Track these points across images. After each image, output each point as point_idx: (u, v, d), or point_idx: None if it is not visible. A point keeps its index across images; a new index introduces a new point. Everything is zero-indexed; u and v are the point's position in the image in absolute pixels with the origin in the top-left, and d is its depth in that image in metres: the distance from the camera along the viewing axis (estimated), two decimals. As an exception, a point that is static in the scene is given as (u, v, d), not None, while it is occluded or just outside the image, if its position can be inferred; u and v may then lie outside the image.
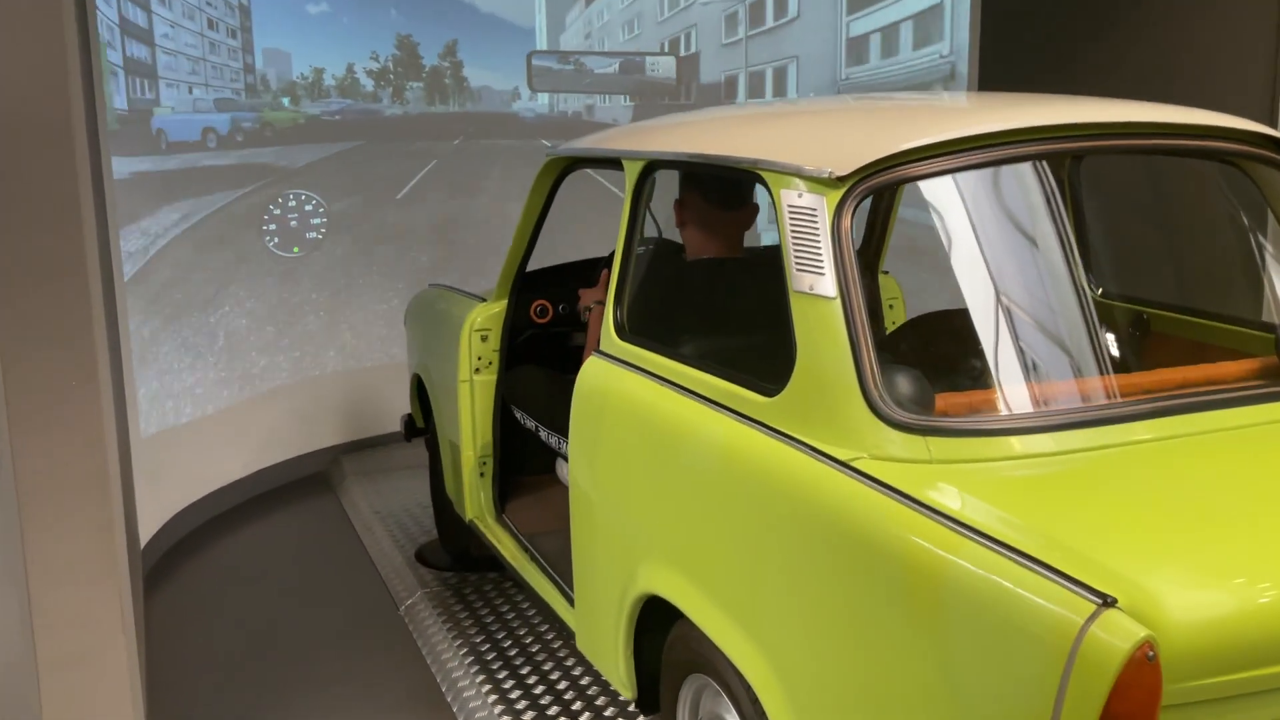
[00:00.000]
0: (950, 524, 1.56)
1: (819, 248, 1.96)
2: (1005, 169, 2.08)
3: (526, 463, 3.83)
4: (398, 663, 3.58)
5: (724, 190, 2.83)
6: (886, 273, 3.88)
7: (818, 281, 1.95)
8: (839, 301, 1.91)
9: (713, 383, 2.17)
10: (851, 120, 2.28)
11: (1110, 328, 2.48)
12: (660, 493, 2.25)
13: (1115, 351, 2.22)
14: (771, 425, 1.99)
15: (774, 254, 3.37)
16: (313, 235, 5.56)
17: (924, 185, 2.03)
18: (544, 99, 6.17)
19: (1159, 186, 3.71)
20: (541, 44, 6.04)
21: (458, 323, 3.60)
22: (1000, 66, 5.79)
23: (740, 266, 2.83)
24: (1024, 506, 1.63)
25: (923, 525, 1.59)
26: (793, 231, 2.02)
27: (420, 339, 4.23)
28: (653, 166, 2.56)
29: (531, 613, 3.75)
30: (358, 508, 4.96)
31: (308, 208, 5.53)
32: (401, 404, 5.85)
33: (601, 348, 2.64)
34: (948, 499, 1.64)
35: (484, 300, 3.61)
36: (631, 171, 2.61)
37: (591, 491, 2.56)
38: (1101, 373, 2.07)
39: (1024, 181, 2.13)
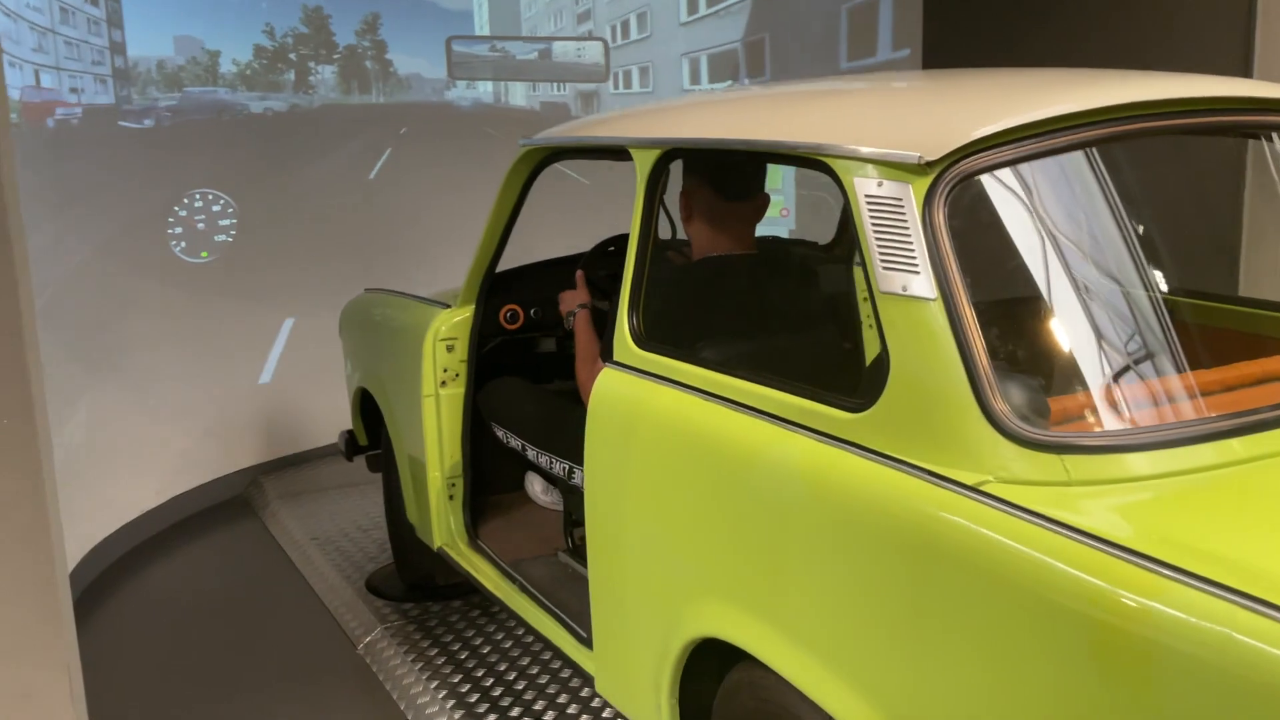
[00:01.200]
0: (1145, 563, 1.34)
1: (909, 243, 1.73)
2: (1105, 150, 1.88)
3: (493, 481, 3.53)
4: (363, 706, 3.25)
5: (737, 180, 2.59)
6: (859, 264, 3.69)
7: (912, 281, 1.72)
8: (940, 303, 1.68)
9: (777, 397, 1.92)
10: (924, 98, 2.06)
11: (1206, 325, 2.32)
12: (719, 524, 1.99)
13: (1227, 351, 2.05)
14: (864, 444, 1.75)
15: (794, 248, 3.12)
16: (223, 239, 5.12)
17: (1025, 169, 1.82)
18: (487, 87, 5.81)
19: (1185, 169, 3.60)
20: (483, 28, 5.69)
21: (418, 332, 3.27)
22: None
23: (764, 263, 2.59)
24: (1222, 536, 1.42)
25: (1107, 565, 1.37)
26: (874, 226, 1.78)
27: (365, 349, 3.88)
28: (671, 156, 2.29)
29: (508, 644, 3.45)
30: (290, 534, 4.56)
31: (215, 208, 5.08)
32: (325, 417, 5.49)
33: (616, 358, 2.36)
34: (1123, 530, 1.43)
35: (445, 306, 3.29)
36: (644, 162, 2.34)
37: (619, 522, 2.28)
38: (1199, 373, 1.89)
39: (1120, 164, 1.93)
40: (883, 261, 1.76)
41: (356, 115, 5.54)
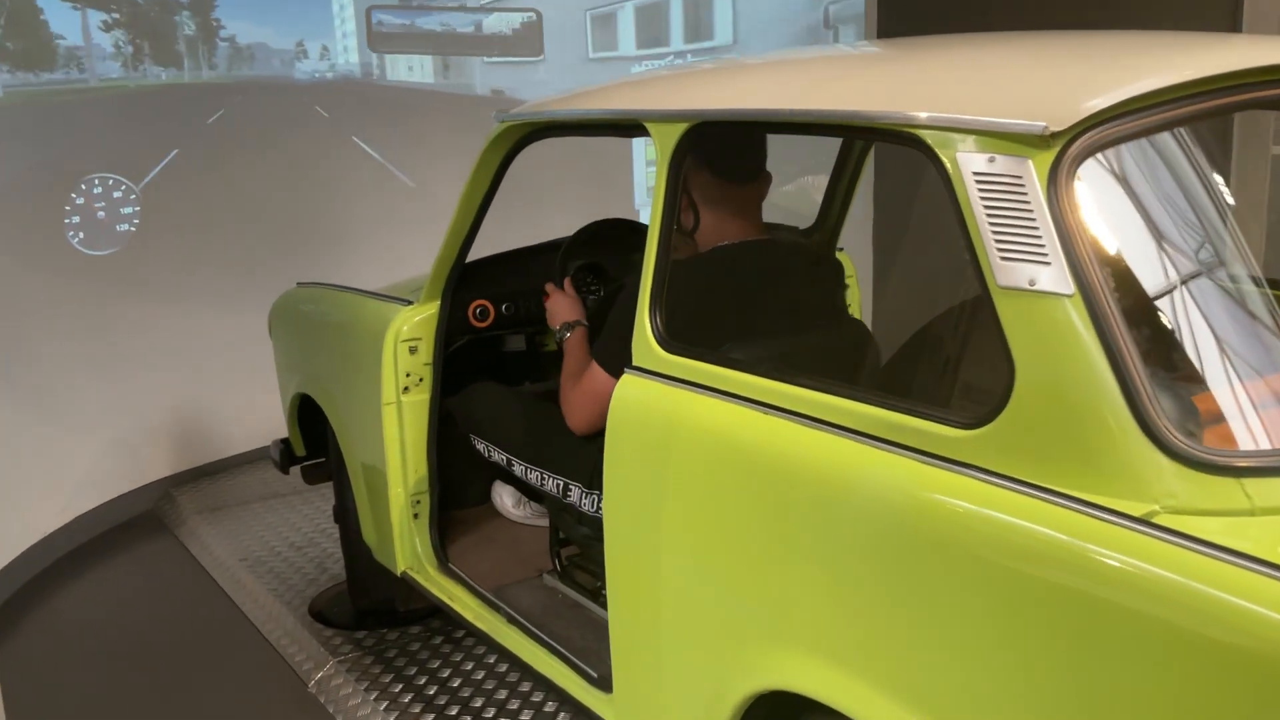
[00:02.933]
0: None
1: (1034, 229, 1.47)
2: (1229, 120, 1.65)
3: (457, 494, 3.20)
4: (323, 756, 2.90)
5: (743, 159, 2.31)
6: (842, 250, 3.46)
7: (1041, 274, 1.46)
8: (1080, 298, 1.42)
9: (861, 410, 1.64)
10: (1019, 61, 1.80)
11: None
12: (795, 560, 1.70)
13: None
14: (983, 466, 1.49)
15: (784, 233, 2.81)
16: (125, 228, 4.63)
17: (1156, 142, 1.58)
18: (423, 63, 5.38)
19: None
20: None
21: (376, 332, 2.91)
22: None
23: (788, 251, 2.32)
24: None
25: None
26: (987, 209, 1.52)
27: (305, 350, 3.49)
28: (700, 130, 1.99)
29: (479, 675, 3.12)
30: (214, 554, 4.14)
31: (116, 194, 4.59)
32: (241, 422, 5.05)
33: (637, 362, 2.06)
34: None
35: (405, 302, 2.94)
36: (666, 138, 2.04)
37: (653, 554, 1.98)
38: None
39: (1233, 134, 1.71)
40: (1001, 251, 1.50)
41: (270, 92, 5.08)
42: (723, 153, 2.24)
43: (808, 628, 1.69)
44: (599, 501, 2.46)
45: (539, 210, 4.86)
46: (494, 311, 3.00)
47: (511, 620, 2.63)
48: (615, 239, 3.02)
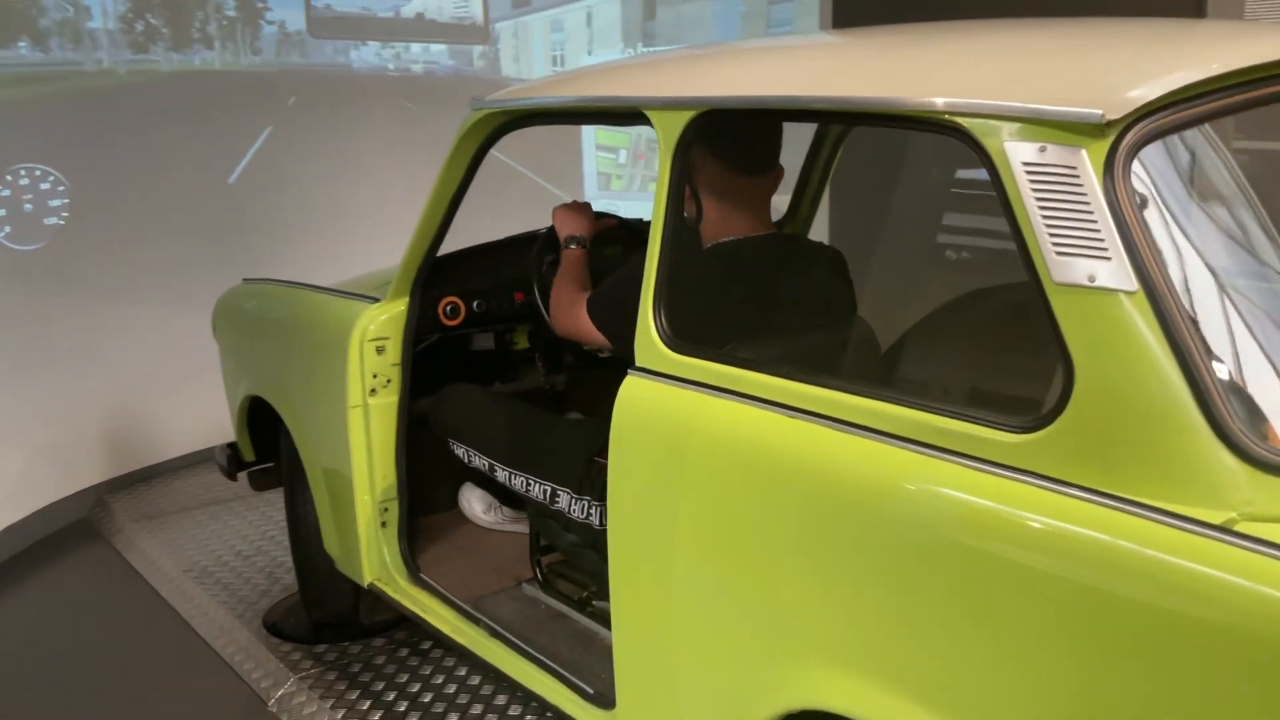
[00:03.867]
0: None
1: (1091, 222, 1.40)
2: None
3: (423, 500, 3.06)
4: (288, 779, 2.74)
5: (757, 149, 2.22)
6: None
7: (1101, 270, 1.38)
8: (1143, 295, 1.35)
9: (901, 414, 1.56)
10: (1062, 46, 1.72)
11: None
12: (830, 573, 1.61)
13: None
14: (1041, 473, 1.42)
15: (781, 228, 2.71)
16: (54, 221, 4.38)
17: (1210, 131, 1.51)
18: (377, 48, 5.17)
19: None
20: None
21: (340, 331, 2.76)
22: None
23: (797, 248, 2.23)
24: None
25: None
26: (1040, 202, 1.44)
27: (257, 350, 3.31)
28: (707, 118, 1.89)
29: (450, 689, 2.99)
30: (155, 565, 3.93)
31: (44, 186, 4.34)
32: (176, 424, 4.83)
33: (641, 363, 1.95)
34: None
35: (369, 299, 2.79)
36: (669, 127, 1.93)
37: (666, 566, 1.87)
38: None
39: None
40: (1056, 246, 1.42)
41: (221, 80, 4.86)
42: (734, 142, 2.14)
43: (846, 644, 1.60)
44: (589, 507, 2.35)
45: (482, 202, 4.72)
46: (464, 309, 2.86)
47: (494, 633, 2.50)
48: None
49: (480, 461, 2.58)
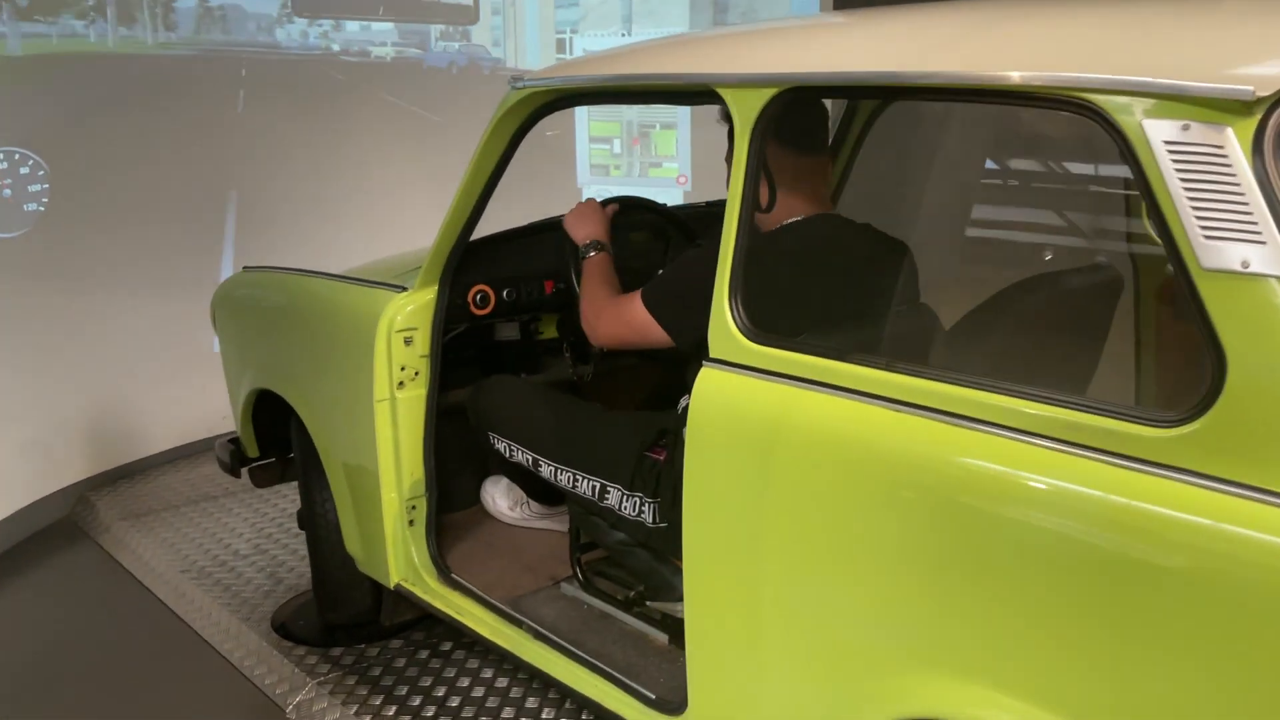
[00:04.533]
0: None
1: (1242, 203, 1.32)
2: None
3: (444, 496, 2.94)
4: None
5: (813, 130, 2.13)
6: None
7: (1254, 255, 1.31)
8: (1307, 282, 1.28)
9: (1025, 408, 1.48)
10: (1176, 20, 1.64)
11: None
12: (952, 576, 1.53)
13: None
14: (1191, 469, 1.34)
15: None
16: (34, 207, 4.18)
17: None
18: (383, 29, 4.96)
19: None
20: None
21: (364, 322, 2.64)
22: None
23: (863, 230, 2.14)
24: None
25: None
26: (1184, 183, 1.36)
27: (264, 342, 3.17)
28: (794, 96, 1.79)
29: (478, 692, 2.88)
30: (149, 565, 3.77)
31: (23, 170, 4.14)
32: (161, 418, 4.66)
33: (716, 355, 1.86)
34: None
35: (398, 288, 2.66)
36: (746, 106, 1.83)
37: (753, 567, 1.78)
38: None
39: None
40: (1204, 230, 1.35)
41: (200, 63, 4.67)
42: (794, 122, 2.05)
43: (972, 652, 1.52)
44: (641, 503, 2.26)
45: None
46: (494, 298, 2.74)
47: (538, 636, 2.40)
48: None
49: (523, 456, 2.47)
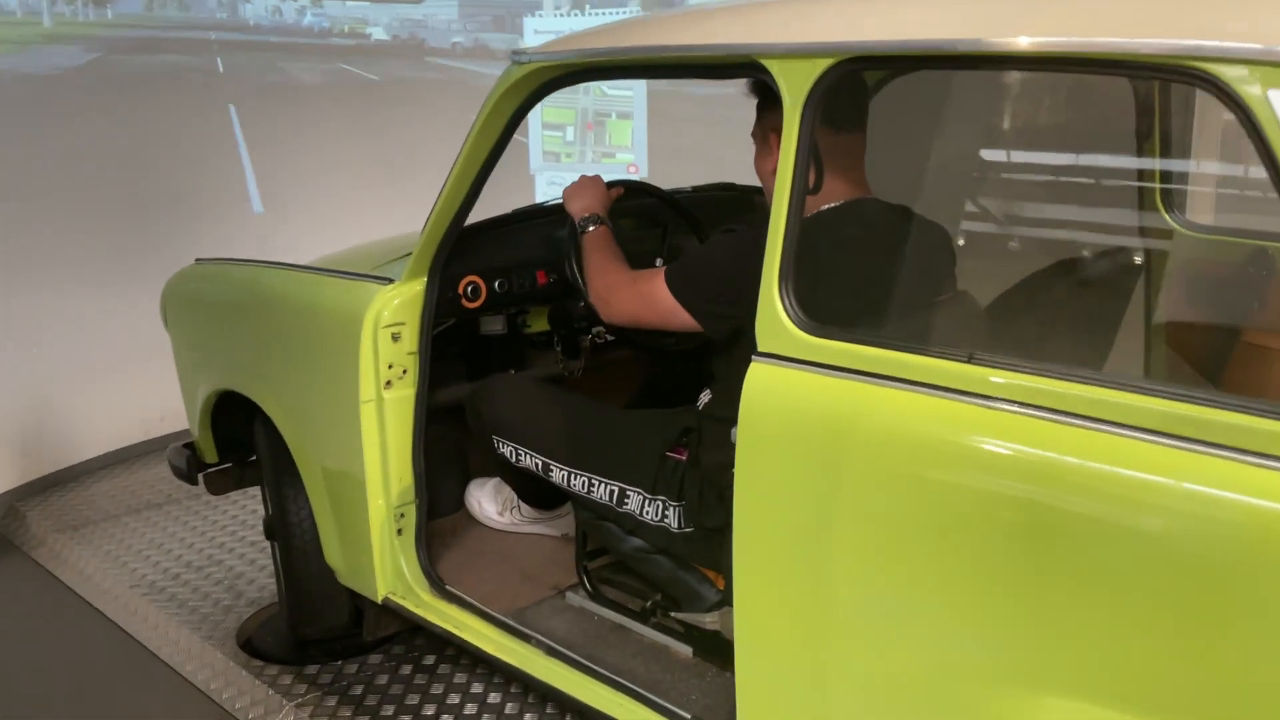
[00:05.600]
0: None
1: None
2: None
3: (429, 502, 2.76)
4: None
5: (851, 104, 2.01)
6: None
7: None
8: None
9: (1141, 404, 1.36)
10: None
11: None
12: (1064, 589, 1.41)
13: None
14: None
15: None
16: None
17: None
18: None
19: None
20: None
21: (347, 317, 2.44)
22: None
23: (904, 213, 2.02)
24: None
25: None
26: (1317, 154, 1.26)
27: (227, 340, 2.95)
28: (851, 68, 1.66)
29: (470, 710, 2.70)
30: (94, 581, 3.51)
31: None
32: (93, 420, 4.38)
33: (765, 348, 1.72)
34: None
35: (384, 280, 2.47)
36: (797, 79, 1.70)
37: (821, 579, 1.65)
38: None
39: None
40: (1341, 205, 1.25)
41: (134, 44, 4.38)
42: (831, 95, 1.91)
43: (1079, 669, 1.40)
44: (665, 507, 2.12)
45: (414, 176, 4.41)
46: (485, 289, 2.57)
47: (551, 651, 2.24)
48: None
49: (532, 460, 2.31)
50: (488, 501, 2.80)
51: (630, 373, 2.99)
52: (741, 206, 3.06)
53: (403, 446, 2.49)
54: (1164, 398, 1.35)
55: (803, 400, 1.66)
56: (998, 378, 1.49)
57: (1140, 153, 2.61)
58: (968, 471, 1.48)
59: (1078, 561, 1.39)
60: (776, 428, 1.69)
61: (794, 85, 1.71)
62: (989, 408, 1.48)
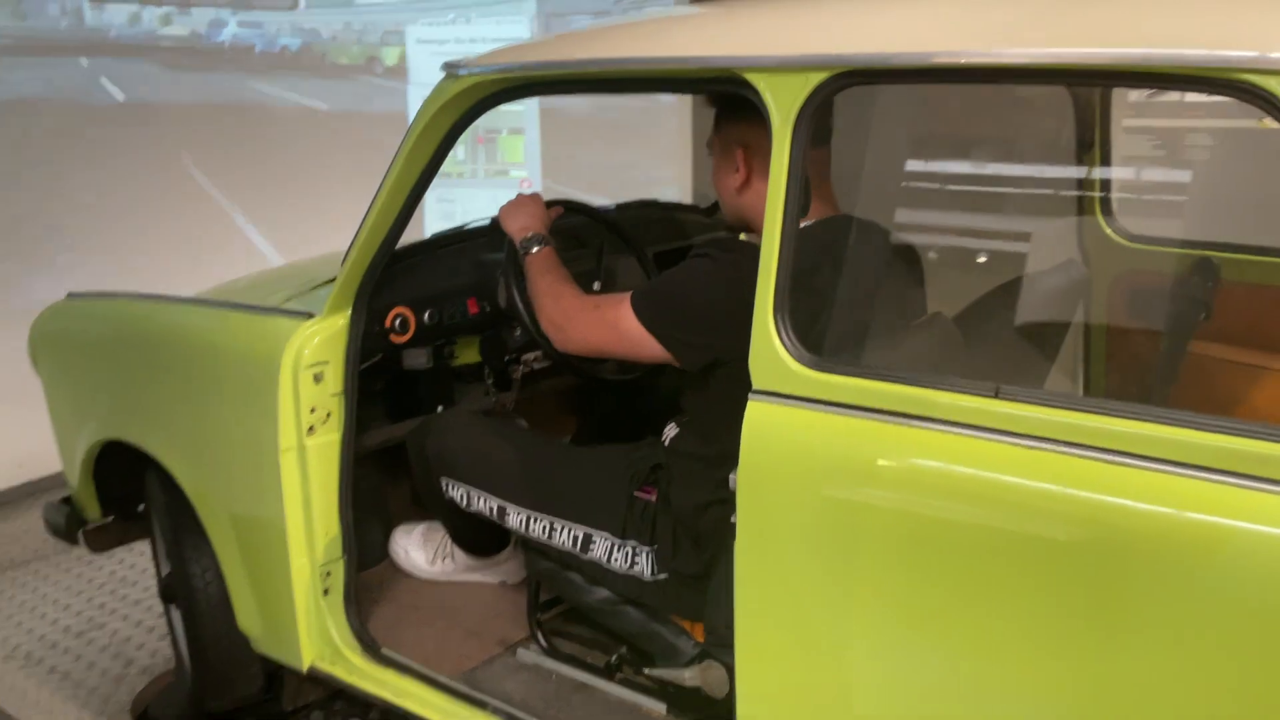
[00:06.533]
0: None
1: None
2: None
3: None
4: None
5: (826, 120, 1.89)
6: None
7: None
8: None
9: (1190, 439, 1.28)
10: None
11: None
12: (1128, 644, 1.31)
13: None
14: None
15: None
16: None
17: None
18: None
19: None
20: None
21: (261, 355, 2.21)
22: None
23: (876, 231, 1.90)
24: None
25: None
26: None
27: (109, 383, 2.65)
28: (847, 81, 1.54)
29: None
30: (-45, 653, 3.14)
31: None
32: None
33: (763, 385, 1.58)
34: None
35: (303, 315, 2.24)
36: (787, 95, 1.57)
37: (839, 641, 1.51)
38: None
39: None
40: None
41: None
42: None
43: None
44: (635, 553, 1.97)
45: (327, 192, 4.15)
46: (414, 321, 2.36)
47: (510, 718, 2.05)
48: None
49: (485, 504, 2.11)
50: (415, 550, 2.59)
51: (566, 405, 2.82)
52: (671, 226, 2.92)
53: (328, 497, 2.26)
54: (1227, 434, 1.26)
55: (814, 442, 1.53)
56: (1030, 413, 1.39)
57: (1081, 163, 2.59)
58: (1013, 519, 1.37)
59: (1148, 614, 1.29)
60: (786, 472, 1.55)
61: (783, 102, 1.58)
62: (1030, 448, 1.37)
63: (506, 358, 2.54)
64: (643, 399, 2.47)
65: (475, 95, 1.98)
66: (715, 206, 3.14)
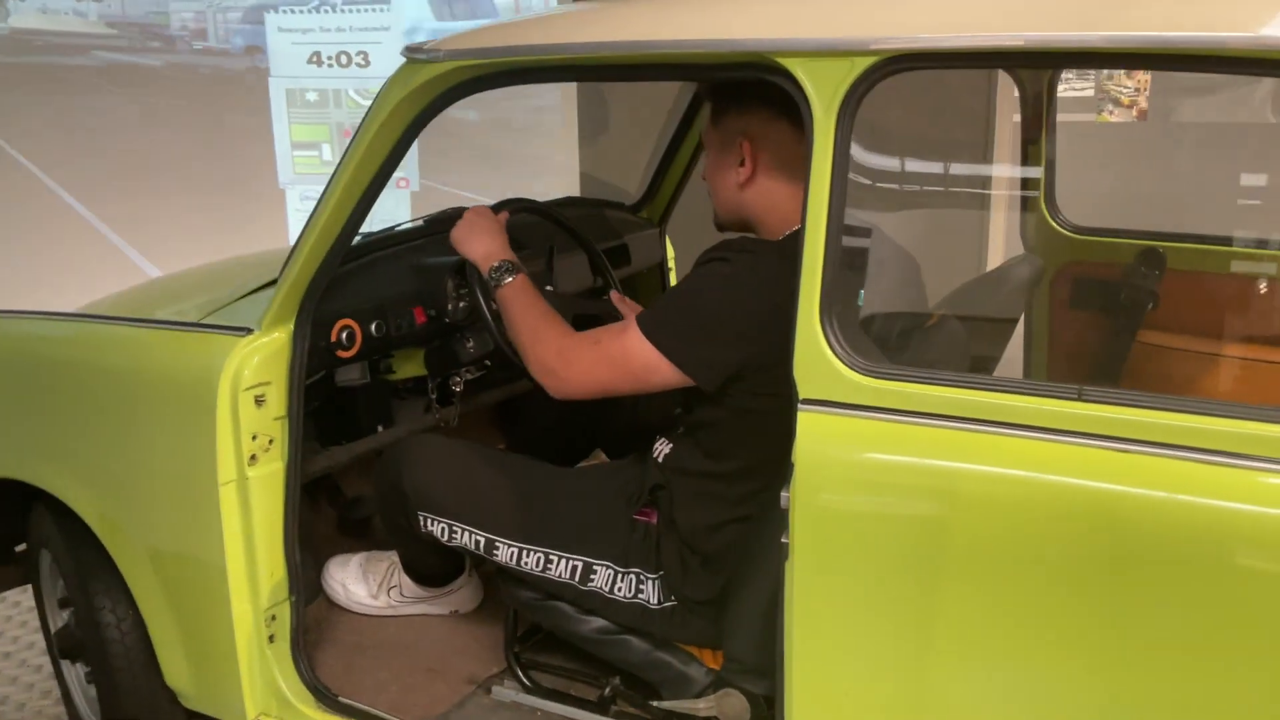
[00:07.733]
0: None
1: None
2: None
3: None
4: None
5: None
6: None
7: None
8: None
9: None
10: None
11: None
12: (1236, 660, 1.25)
13: None
14: None
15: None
16: None
17: None
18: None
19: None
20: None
21: (194, 378, 1.96)
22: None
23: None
24: None
25: None
26: None
27: (12, 413, 2.32)
28: (896, 67, 1.45)
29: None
30: None
31: None
32: None
33: (810, 395, 1.47)
34: None
35: (241, 330, 2.00)
36: (827, 82, 1.46)
37: (918, 671, 1.41)
38: None
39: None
40: None
41: None
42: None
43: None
44: (639, 581, 1.83)
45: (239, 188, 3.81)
46: (360, 334, 2.14)
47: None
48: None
49: (470, 538, 1.91)
50: (354, 584, 2.36)
51: (518, 417, 2.65)
52: (603, 224, 2.78)
53: (273, 533, 2.03)
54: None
55: (883, 454, 1.43)
56: (1120, 415, 1.32)
57: (1026, 154, 2.58)
58: (1121, 529, 1.30)
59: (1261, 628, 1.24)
60: (852, 487, 1.44)
61: (824, 90, 1.47)
62: (1124, 451, 1.31)
63: (453, 370, 2.35)
64: (581, 411, 2.28)
65: (445, 84, 1.79)
66: (641, 203, 3.02)
